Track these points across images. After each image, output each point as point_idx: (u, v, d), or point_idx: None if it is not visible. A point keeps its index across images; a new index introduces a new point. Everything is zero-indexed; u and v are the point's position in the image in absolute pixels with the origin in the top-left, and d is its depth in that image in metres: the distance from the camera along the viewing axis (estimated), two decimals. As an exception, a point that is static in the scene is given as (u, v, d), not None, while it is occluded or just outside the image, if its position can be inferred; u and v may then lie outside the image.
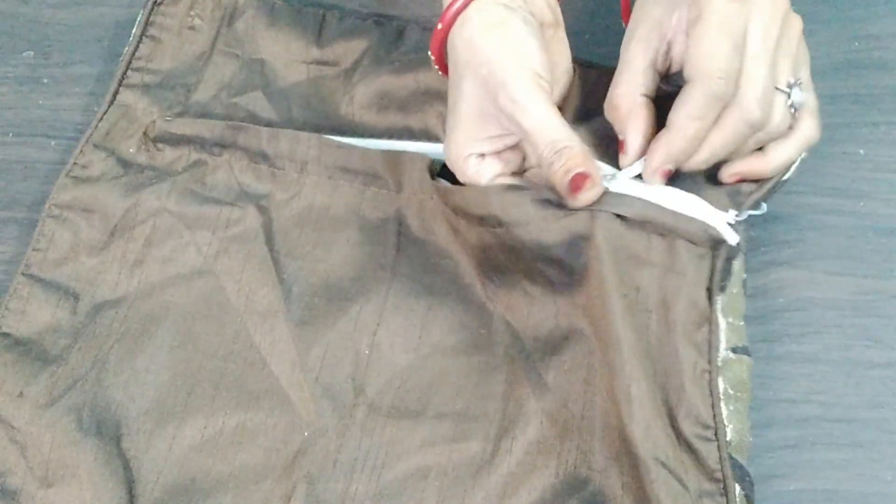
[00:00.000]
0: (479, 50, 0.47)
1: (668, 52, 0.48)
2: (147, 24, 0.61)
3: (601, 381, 0.47)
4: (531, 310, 0.50)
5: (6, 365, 0.51)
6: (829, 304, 0.54)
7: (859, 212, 0.56)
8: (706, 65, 0.45)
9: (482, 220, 0.49)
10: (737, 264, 0.49)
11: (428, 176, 0.53)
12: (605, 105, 0.49)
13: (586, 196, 0.46)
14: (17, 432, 0.49)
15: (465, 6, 0.47)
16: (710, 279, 0.48)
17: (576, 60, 0.54)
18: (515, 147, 0.50)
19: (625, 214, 0.47)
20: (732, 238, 0.47)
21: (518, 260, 0.49)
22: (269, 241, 0.54)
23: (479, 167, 0.49)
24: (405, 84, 0.57)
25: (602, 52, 0.61)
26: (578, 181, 0.46)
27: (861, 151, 0.58)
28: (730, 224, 0.48)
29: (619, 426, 0.45)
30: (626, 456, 0.45)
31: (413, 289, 0.53)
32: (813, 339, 0.53)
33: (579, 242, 0.47)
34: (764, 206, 0.50)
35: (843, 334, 0.53)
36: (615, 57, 0.58)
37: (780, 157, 0.48)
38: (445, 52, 0.50)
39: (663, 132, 0.46)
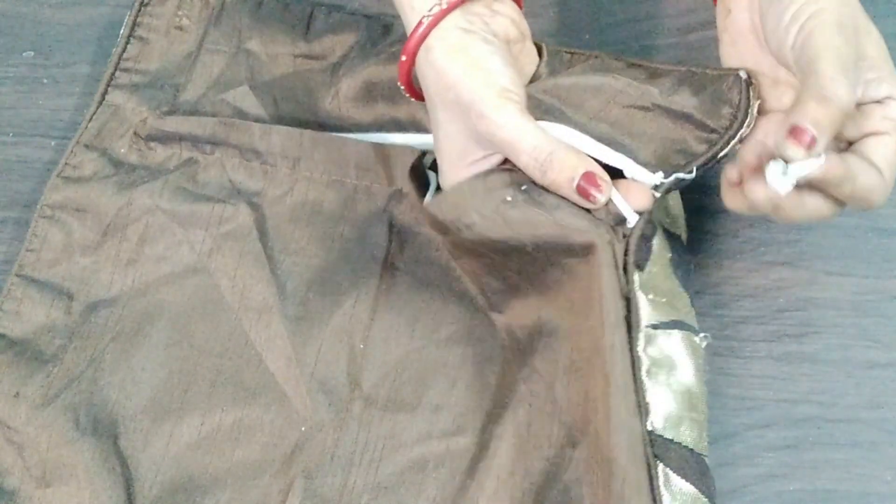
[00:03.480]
0: (444, 76, 0.46)
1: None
2: (134, 24, 0.61)
3: (581, 374, 0.46)
4: (515, 300, 0.50)
5: (1, 366, 0.51)
6: (829, 304, 0.54)
7: (859, 212, 0.56)
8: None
9: (447, 226, 0.48)
10: (657, 243, 0.47)
11: (418, 170, 0.53)
12: (831, 89, 0.42)
13: (605, 195, 0.45)
14: (13, 432, 0.49)
15: (425, 36, 0.47)
16: (625, 258, 0.46)
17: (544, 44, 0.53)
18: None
19: None
20: (631, 217, 0.45)
21: (492, 252, 0.49)
22: (263, 237, 0.54)
23: None
24: (392, 74, 0.56)
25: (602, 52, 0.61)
26: (591, 181, 0.45)
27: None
28: (655, 188, 0.46)
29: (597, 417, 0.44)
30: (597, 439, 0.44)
31: (406, 281, 0.53)
32: (813, 339, 0.53)
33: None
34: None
35: (843, 334, 0.53)
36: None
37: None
38: (414, 82, 0.50)
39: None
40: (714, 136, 0.46)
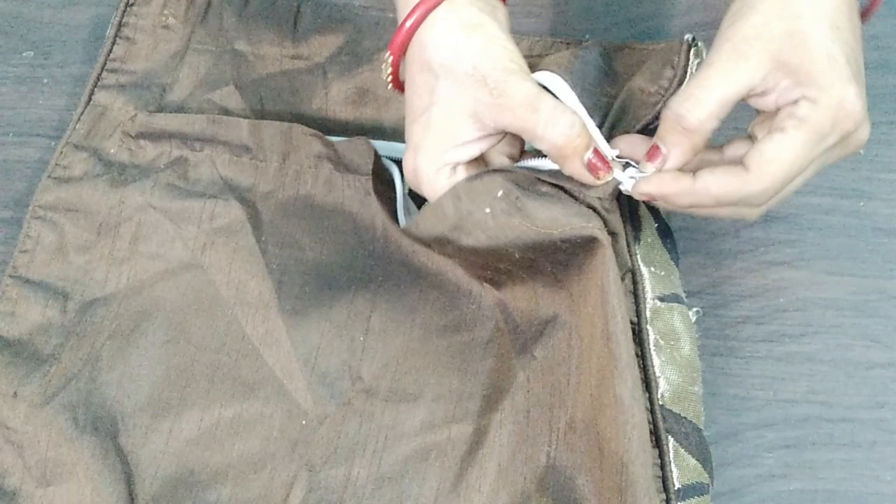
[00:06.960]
0: (461, 49, 0.45)
1: (750, 97, 0.45)
2: (120, 24, 0.61)
3: (583, 361, 0.47)
4: (514, 287, 0.50)
5: None
6: (829, 304, 0.54)
7: (859, 212, 0.56)
8: (776, 174, 0.44)
9: (429, 242, 0.48)
10: (642, 210, 0.48)
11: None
12: (677, 105, 0.44)
13: (609, 175, 0.45)
14: (13, 433, 0.49)
15: (436, 4, 0.45)
16: (625, 230, 0.47)
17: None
18: (483, 158, 0.48)
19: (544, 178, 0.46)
20: (627, 181, 0.45)
21: (479, 257, 0.49)
22: (256, 232, 0.54)
23: (453, 180, 0.46)
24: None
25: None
26: (600, 158, 0.45)
27: (861, 151, 0.58)
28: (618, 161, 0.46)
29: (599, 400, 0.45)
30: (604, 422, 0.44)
31: (403, 272, 0.53)
32: (813, 339, 0.53)
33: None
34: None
35: (843, 334, 0.53)
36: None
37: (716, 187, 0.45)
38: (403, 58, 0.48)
39: (730, 172, 0.44)
40: (657, 97, 0.48)
